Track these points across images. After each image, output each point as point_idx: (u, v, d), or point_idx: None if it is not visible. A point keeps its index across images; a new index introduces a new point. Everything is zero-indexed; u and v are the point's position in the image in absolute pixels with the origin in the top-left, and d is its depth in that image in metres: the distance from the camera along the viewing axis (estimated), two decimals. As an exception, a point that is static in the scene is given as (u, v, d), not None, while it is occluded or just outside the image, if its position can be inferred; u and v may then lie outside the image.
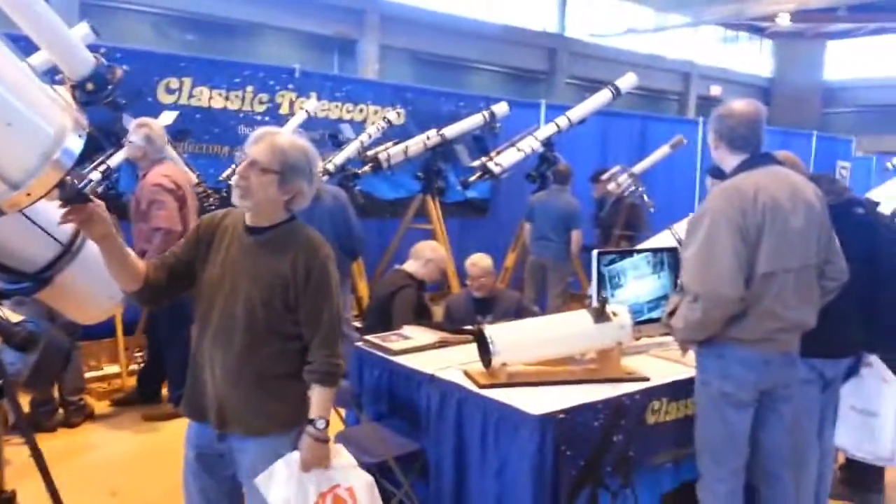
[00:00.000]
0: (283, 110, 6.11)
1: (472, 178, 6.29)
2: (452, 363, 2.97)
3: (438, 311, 5.80)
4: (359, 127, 6.35)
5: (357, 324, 4.72)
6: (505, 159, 6.27)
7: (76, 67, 2.06)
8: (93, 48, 3.57)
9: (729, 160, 2.57)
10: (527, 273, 6.34)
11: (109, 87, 2.05)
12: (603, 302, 2.88)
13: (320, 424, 2.06)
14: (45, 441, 3.99)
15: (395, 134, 6.38)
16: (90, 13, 11.44)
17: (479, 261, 4.15)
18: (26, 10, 1.90)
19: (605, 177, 7.02)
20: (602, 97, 6.53)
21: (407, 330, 3.43)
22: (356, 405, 2.94)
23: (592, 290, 3.32)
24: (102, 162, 4.64)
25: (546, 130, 6.54)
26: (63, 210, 1.75)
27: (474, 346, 2.89)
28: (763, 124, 2.56)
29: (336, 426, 2.59)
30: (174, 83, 5.50)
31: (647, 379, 2.80)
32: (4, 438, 2.08)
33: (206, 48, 12.70)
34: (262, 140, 2.06)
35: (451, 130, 6.38)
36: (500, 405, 2.57)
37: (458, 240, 7.03)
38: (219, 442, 2.11)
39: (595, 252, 3.26)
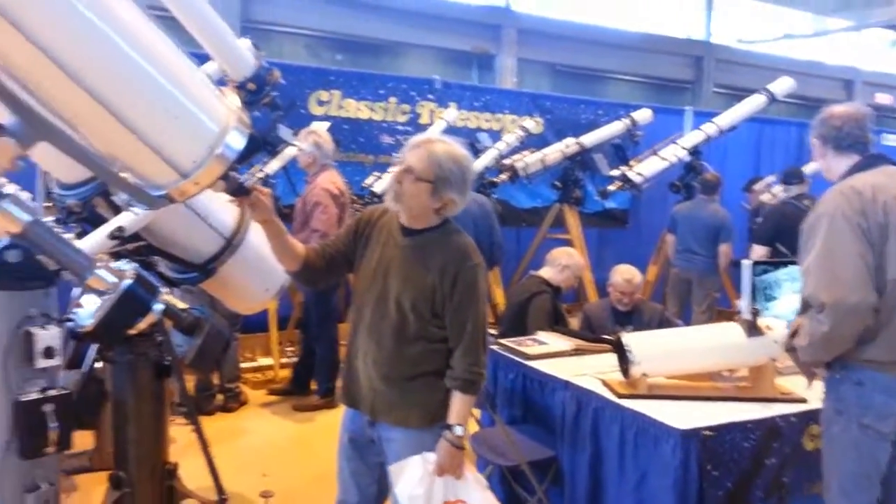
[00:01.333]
0: (424, 120, 6.27)
1: (612, 188, 6.11)
2: (589, 371, 2.90)
3: (574, 323, 5.69)
4: (496, 136, 6.38)
5: (492, 330, 4.71)
6: (646, 168, 6.05)
7: (239, 68, 2.22)
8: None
9: (837, 165, 2.28)
10: (669, 287, 6.07)
11: (268, 87, 2.20)
12: (755, 314, 2.68)
13: (458, 431, 2.08)
14: (204, 423, 4.27)
15: (532, 143, 6.35)
16: (249, 34, 12.37)
17: (633, 276, 3.96)
18: (193, 12, 2.06)
19: (758, 186, 6.59)
20: (755, 102, 6.15)
21: (542, 335, 3.38)
22: (491, 406, 2.92)
23: (743, 301, 3.11)
24: (260, 170, 4.97)
25: (692, 138, 6.24)
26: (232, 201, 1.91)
27: (612, 355, 2.80)
28: (870, 124, 2.29)
29: (471, 427, 2.58)
30: (324, 95, 5.81)
31: (803, 401, 2.57)
32: (169, 419, 2.25)
33: (353, 66, 13.32)
34: (419, 147, 2.10)
35: (589, 138, 6.25)
36: (640, 416, 2.46)
37: (597, 251, 6.86)
38: (370, 428, 2.19)
39: (747, 261, 3.05)
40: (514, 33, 16.52)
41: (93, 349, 2.08)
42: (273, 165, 4.68)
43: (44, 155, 2.01)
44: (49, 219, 2.41)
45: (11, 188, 1.46)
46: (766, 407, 2.55)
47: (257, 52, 2.50)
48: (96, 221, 2.18)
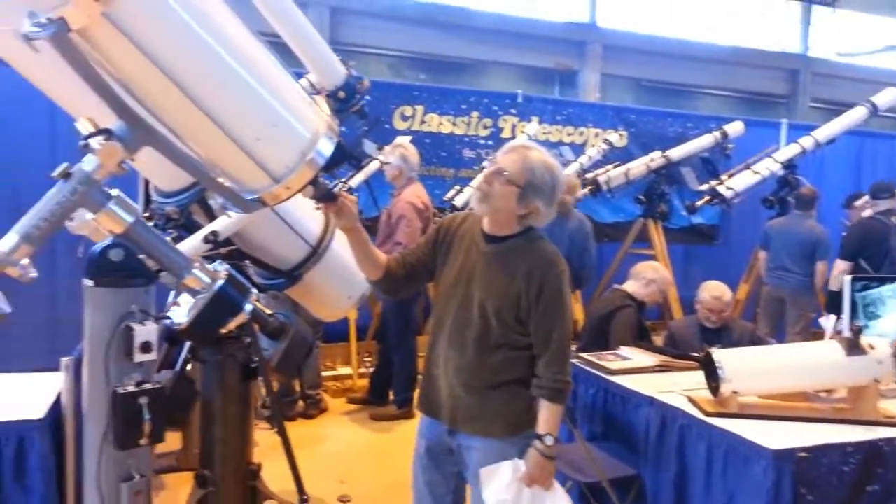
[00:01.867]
0: (506, 134, 6.27)
1: (700, 203, 5.93)
2: (675, 388, 2.80)
3: (658, 341, 5.52)
4: (579, 149, 6.32)
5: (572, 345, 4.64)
6: (738, 183, 5.86)
7: (330, 77, 2.29)
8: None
9: None
10: (761, 306, 5.80)
11: (357, 95, 2.26)
12: (857, 332, 2.52)
13: (548, 441, 2.05)
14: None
15: (616, 157, 6.24)
16: (339, 55, 12.76)
17: (722, 293, 3.81)
18: (289, 22, 2.15)
19: (859, 203, 6.24)
20: (856, 114, 5.86)
21: (625, 350, 3.29)
22: (571, 421, 2.85)
23: (844, 319, 2.95)
24: (344, 183, 5.10)
25: (788, 151, 6.00)
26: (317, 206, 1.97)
27: (699, 372, 2.70)
28: None
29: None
30: (408, 111, 5.92)
31: (911, 425, 2.40)
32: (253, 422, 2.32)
33: (436, 84, 13.52)
34: (514, 151, 2.10)
35: (677, 152, 6.09)
36: (729, 435, 2.36)
37: (683, 267, 6.66)
38: (449, 437, 2.17)
39: (847, 277, 2.89)
40: (598, 49, 16.36)
41: (185, 349, 2.18)
42: (357, 179, 4.79)
43: (145, 163, 2.13)
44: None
45: (115, 191, 1.54)
46: (869, 430, 2.39)
47: (347, 64, 2.58)
48: (192, 228, 2.29)
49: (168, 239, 2.32)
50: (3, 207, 4.34)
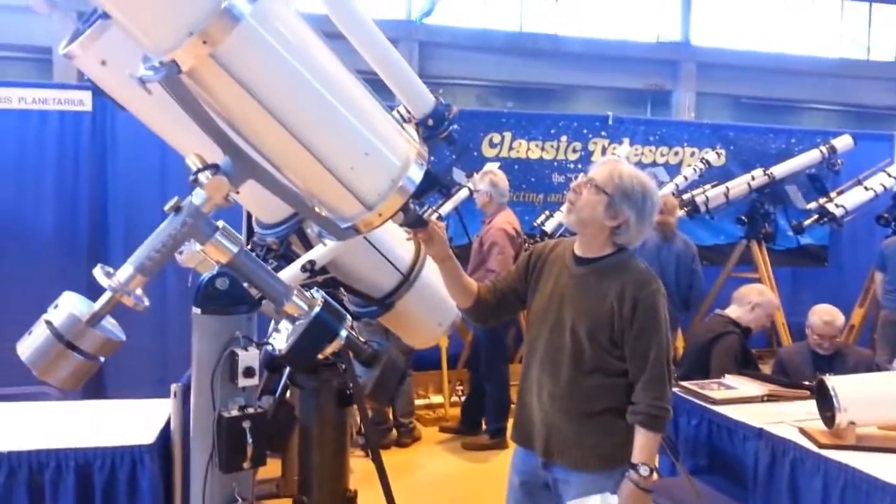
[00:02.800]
0: (596, 157, 6.19)
1: (808, 222, 5.62)
2: (785, 418, 2.65)
3: (766, 369, 5.22)
4: (674, 170, 6.14)
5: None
6: (848, 200, 5.53)
7: (419, 105, 2.34)
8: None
9: None
10: (878, 331, 5.41)
11: (446, 122, 2.30)
12: None
13: (644, 471, 1.95)
14: (379, 456, 4.52)
15: (714, 175, 6.01)
16: (428, 87, 13.05)
17: (833, 318, 3.58)
18: (377, 50, 2.22)
19: None
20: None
21: (729, 379, 3.14)
22: (672, 452, 2.74)
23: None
24: (435, 210, 5.17)
25: (903, 165, 5.63)
26: (407, 232, 2.01)
27: (810, 402, 2.56)
28: None
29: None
30: (496, 137, 5.95)
31: None
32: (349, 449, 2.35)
33: (524, 111, 13.57)
34: (604, 164, 2.10)
35: (780, 169, 5.80)
36: (848, 470, 2.21)
37: (791, 291, 6.33)
38: (543, 470, 2.11)
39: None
40: (692, 67, 16.00)
41: (285, 376, 2.25)
42: (446, 207, 4.84)
43: (248, 197, 2.24)
44: (251, 255, 2.69)
45: (221, 222, 1.62)
46: None
47: (436, 93, 2.64)
48: (290, 258, 2.37)
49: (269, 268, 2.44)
50: (119, 240, 4.68)
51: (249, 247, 2.57)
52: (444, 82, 14.82)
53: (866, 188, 5.56)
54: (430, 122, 2.29)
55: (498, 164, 5.35)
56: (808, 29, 16.91)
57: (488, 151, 5.91)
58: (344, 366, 2.26)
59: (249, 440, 1.56)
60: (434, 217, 5.17)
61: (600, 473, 2.01)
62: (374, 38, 2.23)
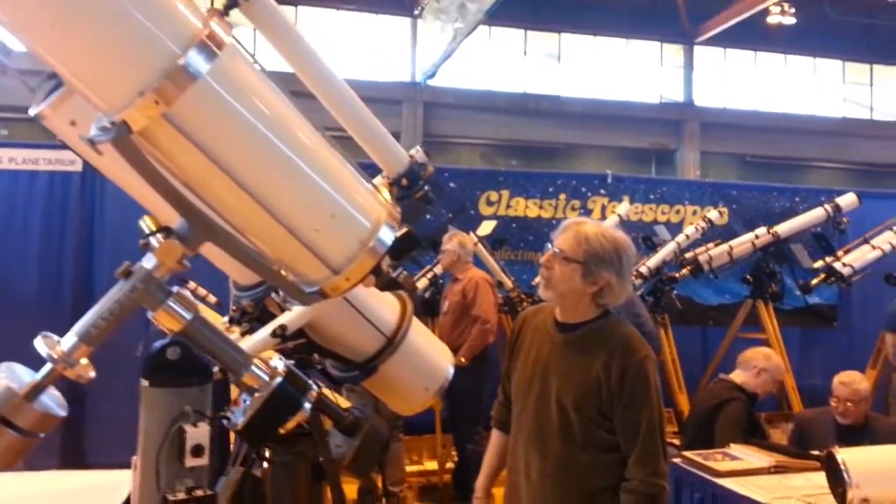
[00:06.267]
0: (595, 215, 6.12)
1: (815, 282, 5.48)
2: (793, 493, 2.50)
3: (777, 435, 5.00)
4: (675, 228, 6.05)
5: (675, 440, 4.27)
6: (856, 259, 5.41)
7: (392, 164, 2.27)
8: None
9: None
10: (892, 395, 5.20)
11: (421, 181, 2.22)
12: None
13: None
14: (364, 528, 4.29)
15: (716, 235, 5.92)
16: (432, 146, 13.18)
17: (854, 381, 3.41)
18: (348, 110, 2.16)
19: None
20: None
21: (734, 449, 2.98)
22: (672, 532, 2.56)
23: None
24: (430, 270, 5.08)
25: (910, 223, 5.52)
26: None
27: (821, 474, 2.37)
28: None
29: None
30: (494, 196, 5.92)
31: None
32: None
33: (527, 169, 13.64)
34: (567, 230, 1.99)
35: (785, 228, 5.70)
36: (863, 555, 2.02)
37: (799, 352, 6.15)
38: None
39: None
40: (696, 126, 16.16)
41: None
42: (441, 266, 4.77)
43: (219, 258, 2.15)
44: (224, 319, 2.59)
45: (175, 288, 1.53)
46: None
47: (426, 158, 2.57)
48: (266, 321, 2.26)
49: (237, 333, 2.32)
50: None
51: (234, 307, 2.48)
52: (449, 141, 14.99)
53: (874, 247, 5.45)
54: (405, 181, 2.21)
55: (495, 222, 5.28)
56: (811, 89, 17.09)
57: (486, 210, 5.87)
58: (318, 437, 2.13)
59: (196, 527, 1.42)
60: (429, 276, 5.13)
61: None
62: (343, 95, 2.17)
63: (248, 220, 1.55)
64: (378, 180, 2.35)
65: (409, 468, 4.90)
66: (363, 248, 1.58)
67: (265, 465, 2.12)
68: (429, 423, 4.80)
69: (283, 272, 1.66)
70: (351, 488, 4.72)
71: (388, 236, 1.63)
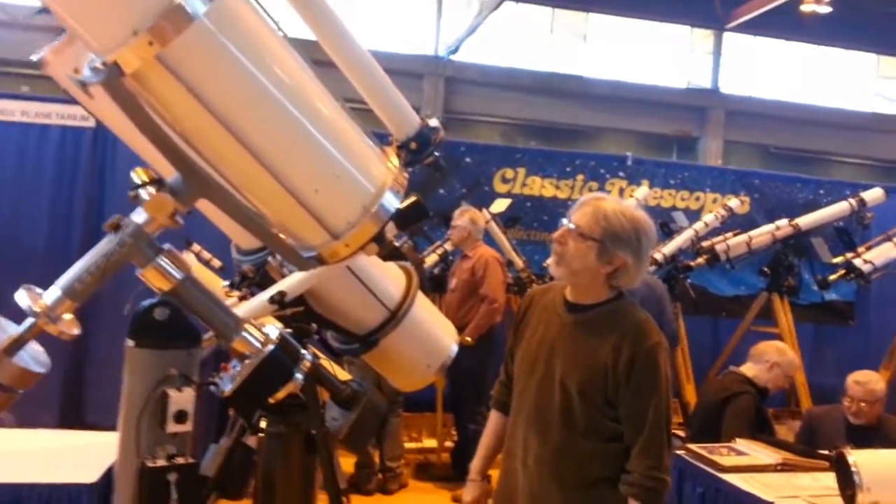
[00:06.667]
0: (614, 199, 5.99)
1: (833, 277, 5.34)
2: (800, 492, 2.44)
3: (784, 432, 4.91)
4: (694, 216, 5.91)
5: (679, 432, 4.20)
6: (877, 256, 5.27)
7: (402, 127, 2.16)
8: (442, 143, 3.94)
9: None
10: (907, 397, 5.09)
11: (431, 146, 2.12)
12: None
13: None
14: (360, 503, 4.26)
15: (736, 224, 5.78)
16: (452, 123, 13.04)
17: (870, 381, 3.30)
18: (356, 63, 2.06)
19: None
20: None
21: (741, 444, 2.90)
22: (673, 525, 2.50)
23: None
24: (440, 245, 5.00)
25: (936, 222, 5.37)
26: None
27: (830, 474, 2.33)
28: None
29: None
30: (510, 173, 5.80)
31: None
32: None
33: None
34: (585, 205, 1.88)
35: (806, 220, 5.55)
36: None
37: (813, 348, 6.03)
38: None
39: None
40: (721, 115, 15.87)
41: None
42: (451, 242, 4.70)
43: (219, 218, 2.08)
44: (224, 283, 2.53)
45: (167, 245, 1.46)
46: None
47: (438, 124, 2.46)
48: (266, 286, 2.20)
49: (235, 298, 2.26)
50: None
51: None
52: (470, 119, 14.82)
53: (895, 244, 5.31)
54: (413, 145, 2.11)
55: (510, 200, 5.18)
56: (841, 82, 16.72)
57: (500, 187, 5.75)
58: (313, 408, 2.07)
59: (175, 496, 1.37)
60: (440, 252, 5.04)
61: None
62: (349, 45, 2.06)
63: (246, 177, 1.48)
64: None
65: (408, 445, 4.86)
66: (365, 214, 1.50)
67: (260, 435, 2.09)
68: (430, 400, 4.75)
69: (281, 235, 1.59)
70: (349, 462, 4.73)
71: (392, 202, 1.55)
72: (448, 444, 4.79)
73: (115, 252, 1.42)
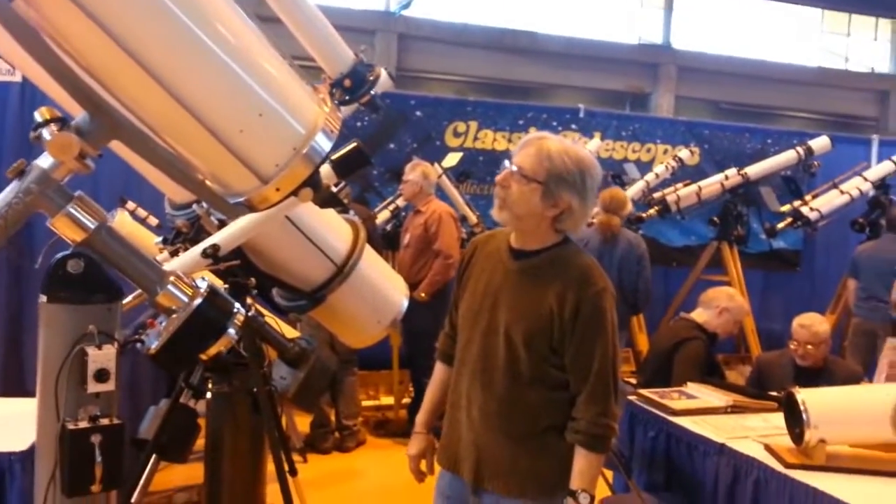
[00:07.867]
0: (567, 152, 5.94)
1: (781, 225, 5.45)
2: (750, 433, 2.45)
3: (734, 376, 5.02)
4: (646, 167, 5.92)
5: (632, 380, 4.24)
6: (824, 204, 5.39)
7: (335, 63, 2.04)
8: (389, 95, 3.80)
9: None
10: (849, 340, 5.24)
11: (366, 85, 2.00)
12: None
13: (583, 499, 1.69)
14: (317, 462, 4.17)
15: (687, 175, 5.80)
16: (405, 80, 12.80)
17: (814, 324, 3.32)
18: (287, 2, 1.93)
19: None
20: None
21: (691, 388, 2.92)
22: (625, 469, 2.50)
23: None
24: (392, 202, 4.90)
25: (879, 170, 5.51)
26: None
27: (779, 415, 2.34)
28: None
29: (601, 491, 2.19)
30: (461, 127, 5.68)
31: None
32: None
33: (500, 105, 13.37)
34: (528, 145, 1.79)
35: (755, 169, 5.60)
36: (816, 493, 2.01)
37: (761, 296, 6.15)
38: (473, 497, 1.83)
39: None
40: (673, 70, 15.96)
41: (198, 373, 1.96)
42: (403, 198, 4.60)
43: (148, 169, 1.95)
44: (157, 239, 2.40)
45: (78, 193, 1.35)
46: None
47: (392, 82, 2.35)
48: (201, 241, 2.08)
49: (166, 253, 2.14)
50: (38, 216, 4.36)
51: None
52: (422, 76, 14.57)
53: (842, 192, 5.43)
54: (347, 82, 1.99)
55: (462, 154, 5.09)
56: (789, 37, 16.92)
57: (452, 141, 5.64)
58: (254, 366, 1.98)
59: (99, 458, 1.28)
60: (391, 208, 4.95)
61: (537, 501, 1.76)
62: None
63: (162, 117, 1.35)
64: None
65: (365, 402, 4.82)
66: (296, 156, 1.40)
67: (207, 396, 2.00)
68: (386, 357, 4.69)
69: (207, 182, 1.49)
70: (305, 421, 4.64)
71: (325, 144, 1.44)
72: (405, 400, 4.77)
73: (20, 201, 1.31)
